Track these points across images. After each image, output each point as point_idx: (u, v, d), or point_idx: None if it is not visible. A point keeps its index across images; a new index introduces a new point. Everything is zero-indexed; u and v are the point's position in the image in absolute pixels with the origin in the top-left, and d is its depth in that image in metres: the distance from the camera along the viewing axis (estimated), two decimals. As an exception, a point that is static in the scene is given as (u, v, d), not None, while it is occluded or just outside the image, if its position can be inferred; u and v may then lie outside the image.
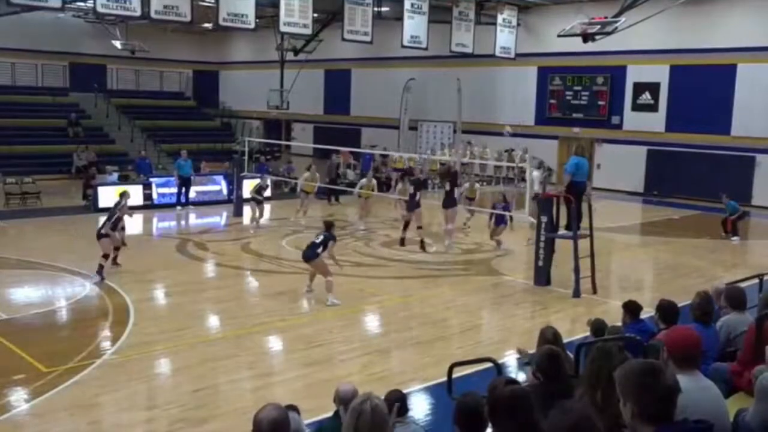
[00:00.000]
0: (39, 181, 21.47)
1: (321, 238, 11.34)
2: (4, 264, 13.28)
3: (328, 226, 11.64)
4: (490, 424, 3.54)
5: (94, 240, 16.79)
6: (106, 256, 12.55)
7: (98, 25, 31.10)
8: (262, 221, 17.83)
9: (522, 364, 4.87)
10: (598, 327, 6.23)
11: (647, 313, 7.00)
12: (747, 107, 23.37)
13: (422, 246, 15.32)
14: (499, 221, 15.70)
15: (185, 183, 20.60)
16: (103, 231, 12.79)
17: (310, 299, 11.64)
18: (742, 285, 6.85)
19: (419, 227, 15.57)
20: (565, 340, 5.94)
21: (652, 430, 2.71)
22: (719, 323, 5.78)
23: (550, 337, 5.32)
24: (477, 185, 19.18)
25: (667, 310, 5.77)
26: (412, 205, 15.56)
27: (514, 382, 3.18)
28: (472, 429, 3.81)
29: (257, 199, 17.71)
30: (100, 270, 12.24)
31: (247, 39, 36.74)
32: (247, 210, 18.74)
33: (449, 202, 15.58)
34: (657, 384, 2.73)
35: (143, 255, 14.63)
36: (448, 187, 15.77)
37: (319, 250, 11.23)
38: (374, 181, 19.66)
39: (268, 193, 19.88)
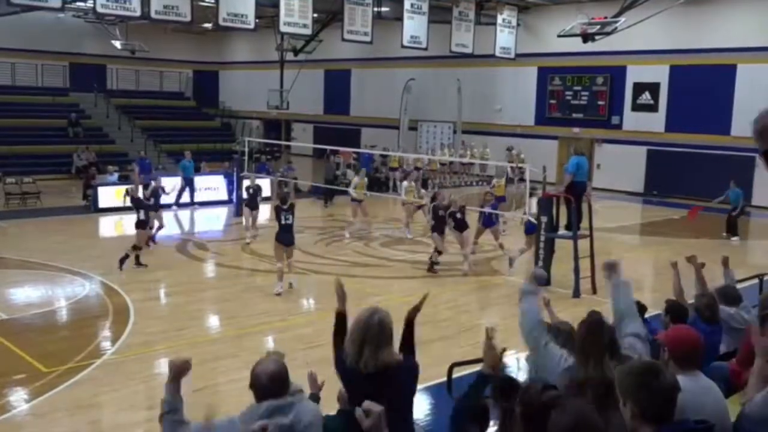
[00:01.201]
0: (39, 181, 21.49)
1: (291, 218, 11.64)
2: (4, 264, 13.29)
3: (284, 199, 11.81)
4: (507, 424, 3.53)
5: (94, 240, 16.90)
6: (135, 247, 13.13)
7: (98, 25, 31.09)
8: (259, 223, 17.46)
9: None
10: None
11: (647, 313, 7.00)
12: (747, 107, 23.32)
13: (431, 267, 13.55)
14: (488, 223, 14.72)
15: (190, 184, 20.59)
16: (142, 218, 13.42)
17: (310, 299, 11.65)
18: (743, 285, 6.87)
19: (438, 251, 13.58)
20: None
21: (652, 430, 2.71)
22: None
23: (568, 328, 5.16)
24: (502, 180, 17.64)
25: (677, 311, 5.77)
26: (437, 227, 13.64)
27: (551, 387, 3.17)
28: (473, 429, 3.82)
29: (251, 206, 16.35)
30: (123, 261, 12.90)
31: (246, 39, 36.74)
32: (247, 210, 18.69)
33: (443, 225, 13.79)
34: (657, 384, 2.73)
35: (143, 255, 14.63)
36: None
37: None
38: (413, 184, 17.83)
39: (266, 192, 19.79)
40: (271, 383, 3.39)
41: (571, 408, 2.66)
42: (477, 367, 6.82)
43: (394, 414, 3.84)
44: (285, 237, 11.62)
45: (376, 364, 3.74)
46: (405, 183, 17.75)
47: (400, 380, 3.85)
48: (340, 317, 4.21)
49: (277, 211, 11.63)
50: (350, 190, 17.61)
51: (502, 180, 18.02)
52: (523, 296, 3.86)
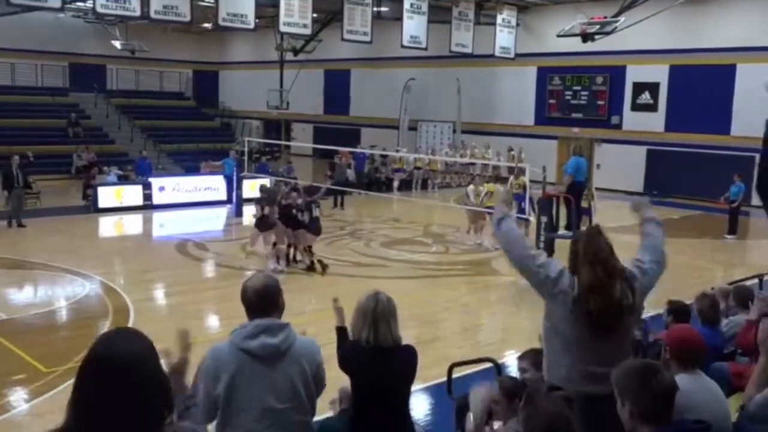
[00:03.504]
0: (39, 181, 21.45)
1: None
2: (4, 264, 13.28)
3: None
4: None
5: (94, 240, 16.88)
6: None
7: (98, 25, 31.10)
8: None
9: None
10: None
11: (646, 313, 7.01)
12: (747, 107, 23.35)
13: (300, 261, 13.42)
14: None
15: (229, 182, 20.66)
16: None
17: (310, 299, 11.65)
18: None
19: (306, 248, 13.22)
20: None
21: (650, 430, 2.72)
22: (725, 322, 5.87)
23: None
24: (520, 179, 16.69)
25: (680, 311, 5.77)
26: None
27: (556, 388, 3.18)
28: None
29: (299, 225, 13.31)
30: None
31: (246, 39, 36.74)
32: (247, 210, 18.63)
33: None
34: (655, 383, 2.73)
35: (143, 255, 14.65)
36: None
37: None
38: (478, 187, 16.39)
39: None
40: (256, 298, 3.39)
41: (544, 408, 2.66)
42: (477, 368, 6.85)
43: (398, 398, 3.91)
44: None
45: (393, 338, 3.86)
46: (472, 187, 16.33)
47: (407, 359, 3.97)
48: (342, 330, 4.25)
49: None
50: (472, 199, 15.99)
51: (519, 179, 17.51)
52: (498, 222, 3.71)
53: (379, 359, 3.81)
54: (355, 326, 3.92)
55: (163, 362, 2.31)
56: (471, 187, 16.51)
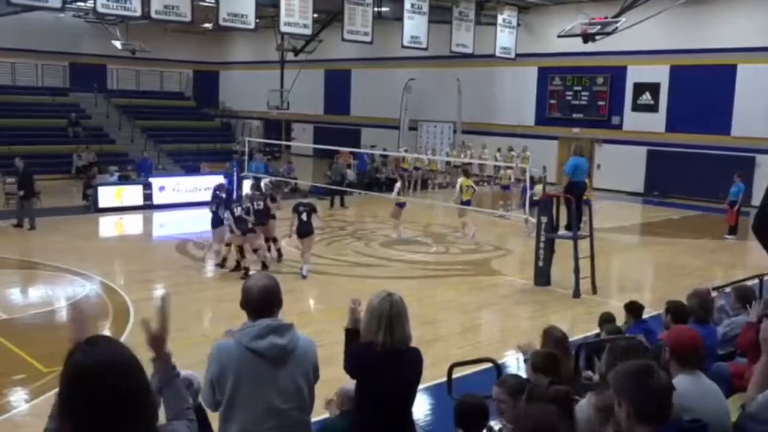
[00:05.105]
0: (39, 181, 21.41)
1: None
2: (4, 264, 13.28)
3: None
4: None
5: (94, 240, 16.88)
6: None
7: (98, 25, 31.07)
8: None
9: (524, 361, 4.89)
10: (606, 319, 6.54)
11: (647, 313, 7.02)
12: (747, 107, 23.36)
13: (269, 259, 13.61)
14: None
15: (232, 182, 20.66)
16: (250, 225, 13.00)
17: (310, 299, 11.65)
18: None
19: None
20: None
21: (647, 430, 2.72)
22: (727, 322, 5.85)
23: (560, 335, 5.29)
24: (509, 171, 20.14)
25: (678, 311, 5.76)
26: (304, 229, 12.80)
27: (556, 382, 3.22)
28: (473, 429, 3.83)
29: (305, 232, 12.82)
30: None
31: (247, 39, 36.71)
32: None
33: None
34: (652, 383, 2.74)
35: (143, 255, 14.65)
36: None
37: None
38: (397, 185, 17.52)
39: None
40: (260, 298, 3.37)
41: (533, 412, 2.68)
42: (477, 368, 6.84)
43: (405, 400, 3.91)
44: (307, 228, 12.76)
45: (406, 339, 3.83)
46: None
47: (416, 361, 3.93)
48: (352, 333, 4.13)
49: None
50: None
51: (508, 171, 20.70)
52: None
53: (393, 361, 3.77)
54: (368, 329, 3.83)
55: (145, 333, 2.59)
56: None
